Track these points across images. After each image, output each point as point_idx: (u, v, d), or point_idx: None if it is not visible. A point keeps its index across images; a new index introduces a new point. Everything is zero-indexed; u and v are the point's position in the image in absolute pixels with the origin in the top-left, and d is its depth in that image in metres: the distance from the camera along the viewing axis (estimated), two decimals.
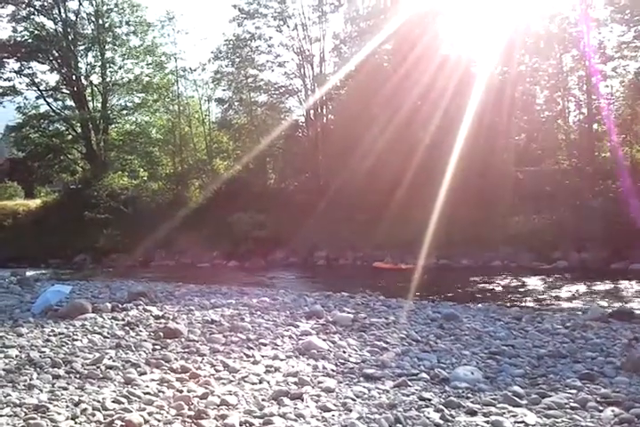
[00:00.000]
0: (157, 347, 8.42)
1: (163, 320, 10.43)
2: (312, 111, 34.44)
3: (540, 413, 5.73)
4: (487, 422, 5.46)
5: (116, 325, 10.03)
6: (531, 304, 14.33)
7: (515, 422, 5.49)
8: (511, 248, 23.31)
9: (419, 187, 23.65)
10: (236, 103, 37.75)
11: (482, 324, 10.46)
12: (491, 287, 17.84)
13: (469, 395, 6.32)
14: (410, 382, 6.68)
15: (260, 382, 6.69)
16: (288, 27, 34.06)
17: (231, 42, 35.37)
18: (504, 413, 5.72)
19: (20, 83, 37.70)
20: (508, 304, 13.96)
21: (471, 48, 27.80)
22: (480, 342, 8.96)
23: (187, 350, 8.25)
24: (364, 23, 32.70)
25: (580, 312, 12.43)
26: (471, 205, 23.80)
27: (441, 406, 5.81)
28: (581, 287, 16.84)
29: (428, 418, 5.51)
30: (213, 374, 7.00)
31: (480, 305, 13.30)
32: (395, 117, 26.35)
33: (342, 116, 32.47)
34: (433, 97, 25.87)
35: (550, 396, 6.23)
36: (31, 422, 5.18)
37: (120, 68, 38.31)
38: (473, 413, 5.70)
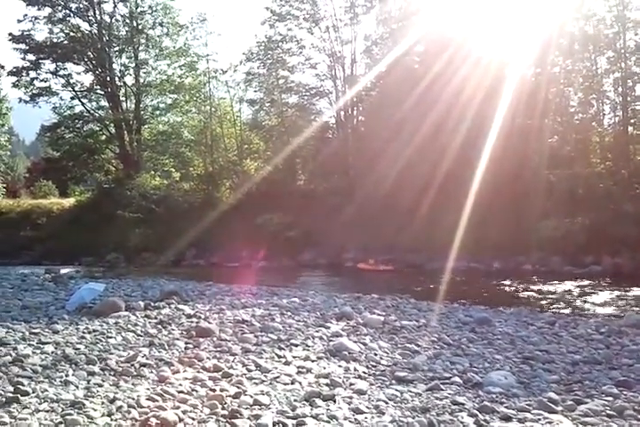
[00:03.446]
0: (190, 346, 8.48)
1: (194, 319, 10.50)
2: (343, 113, 34.48)
3: (575, 420, 5.62)
4: None
5: (149, 323, 10.12)
6: (564, 309, 14.10)
7: None
8: (543, 252, 23.03)
9: (449, 190, 23.54)
10: (267, 104, 37.99)
11: (514, 328, 10.35)
12: (522, 291, 17.62)
13: (503, 400, 6.24)
14: (442, 386, 6.62)
15: (292, 383, 6.68)
16: (319, 28, 34.21)
17: (263, 43, 35.64)
18: (539, 419, 5.62)
19: (56, 83, 38.59)
20: (541, 309, 13.77)
21: (504, 49, 27.47)
22: (513, 346, 8.85)
23: (218, 349, 8.29)
24: (395, 24, 32.58)
25: (614, 318, 12.20)
26: (502, 209, 23.57)
27: (475, 411, 5.74)
28: (615, 292, 16.51)
29: (462, 423, 5.44)
30: (245, 374, 7.01)
31: (512, 309, 13.15)
32: (425, 119, 26.20)
33: (373, 117, 32.39)
34: (464, 99, 25.68)
35: (586, 403, 6.12)
36: (68, 417, 5.24)
37: (153, 69, 38.88)
38: (507, 418, 5.62)
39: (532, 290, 17.82)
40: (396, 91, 28.90)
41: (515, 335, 9.65)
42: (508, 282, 19.26)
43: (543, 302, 15.33)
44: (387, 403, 6.03)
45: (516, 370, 7.46)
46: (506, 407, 5.96)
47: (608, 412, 5.84)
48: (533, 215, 23.86)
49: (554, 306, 14.64)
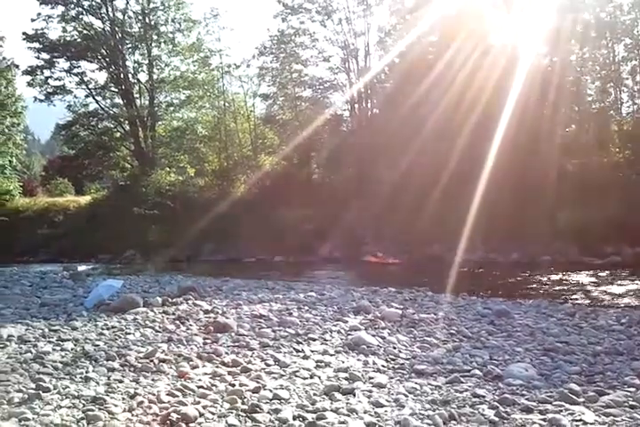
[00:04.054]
0: (208, 341, 8.49)
1: (212, 315, 10.53)
2: (357, 105, 34.35)
3: (598, 411, 5.56)
4: (544, 419, 5.33)
5: (167, 319, 10.16)
6: (583, 300, 13.96)
7: (572, 420, 5.33)
8: (561, 243, 22.83)
9: (465, 181, 23.34)
10: (280, 98, 37.91)
11: (534, 320, 10.26)
12: (541, 283, 17.48)
13: (524, 392, 6.19)
14: (462, 379, 6.58)
15: (311, 377, 6.67)
16: (332, 21, 34.05)
17: (276, 37, 35.56)
18: (561, 410, 5.57)
19: (70, 82, 38.81)
20: (560, 300, 13.64)
21: (518, 38, 27.21)
22: (533, 338, 8.78)
23: (237, 344, 8.30)
24: (409, 15, 32.36)
25: (635, 309, 12.07)
26: (519, 199, 23.38)
27: (495, 403, 5.70)
28: (636, 283, 16.33)
29: (482, 415, 5.41)
30: (264, 369, 7.01)
31: (531, 301, 13.05)
32: (439, 109, 26.06)
33: (386, 109, 32.23)
34: (478, 88, 25.48)
35: (608, 394, 6.05)
36: (90, 413, 5.27)
37: (166, 65, 38.98)
38: (529, 410, 5.58)
39: (551, 281, 17.68)
40: (409, 81, 28.73)
41: (534, 327, 9.57)
42: (526, 273, 19.13)
43: (563, 294, 15.19)
44: (406, 396, 6.00)
45: (537, 362, 7.40)
46: (527, 399, 5.91)
47: (631, 403, 5.77)
48: (552, 205, 23.63)
49: (573, 297, 14.50)
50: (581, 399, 5.91)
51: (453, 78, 25.96)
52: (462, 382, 6.48)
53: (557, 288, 16.30)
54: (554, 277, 18.36)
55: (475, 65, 25.82)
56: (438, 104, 26.13)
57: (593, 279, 17.56)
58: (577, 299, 14.19)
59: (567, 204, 23.79)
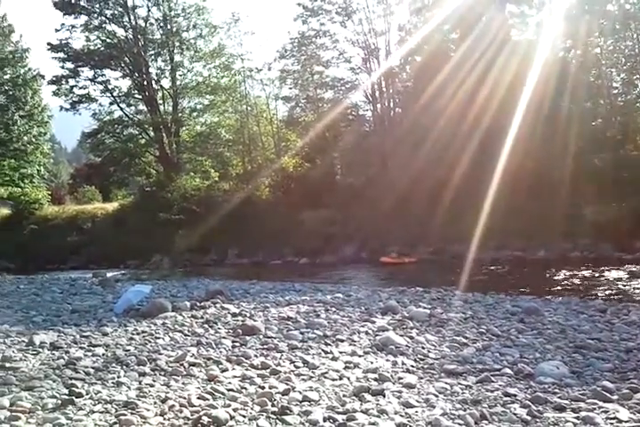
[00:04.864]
0: (237, 344, 8.52)
1: (240, 318, 10.57)
2: (379, 106, 34.28)
3: (632, 408, 5.46)
4: (577, 417, 5.25)
5: (196, 323, 10.22)
6: (614, 296, 13.73)
7: (606, 418, 5.25)
8: (590, 239, 22.53)
9: (488, 177, 23.11)
10: (302, 100, 38.00)
11: (564, 317, 10.13)
12: (571, 279, 17.24)
13: (556, 390, 6.10)
14: (493, 378, 6.50)
15: (341, 379, 6.65)
16: (352, 21, 34.04)
17: (296, 40, 35.66)
18: (594, 408, 5.48)
19: (95, 90, 39.42)
20: (591, 297, 13.45)
21: (541, 32, 26.90)
22: (564, 336, 8.66)
23: (265, 346, 8.31)
24: (429, 13, 32.21)
25: None
26: (547, 195, 23.12)
27: (527, 402, 5.63)
28: None
29: (514, 414, 5.34)
30: (293, 371, 7.01)
31: (561, 298, 12.88)
32: (463, 106, 25.91)
33: (409, 108, 32.12)
34: (496, 83, 25.28)
35: None
36: (122, 418, 5.30)
37: (189, 71, 39.32)
38: (561, 408, 5.49)
39: (581, 278, 17.43)
40: (431, 79, 28.55)
41: (565, 324, 9.44)
42: (555, 270, 18.88)
43: (593, 290, 14.97)
44: (437, 396, 5.96)
45: (568, 360, 7.30)
46: (559, 398, 5.83)
47: None
48: (579, 201, 23.33)
49: (604, 293, 14.29)
50: (615, 397, 5.80)
51: (476, 75, 25.77)
52: (493, 382, 6.41)
53: (587, 285, 16.07)
54: (583, 273, 18.10)
55: (493, 60, 25.59)
56: (456, 100, 25.98)
57: (624, 275, 17.28)
58: (608, 295, 13.98)
59: (595, 199, 23.43)
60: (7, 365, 7.38)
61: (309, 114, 37.60)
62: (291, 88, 37.97)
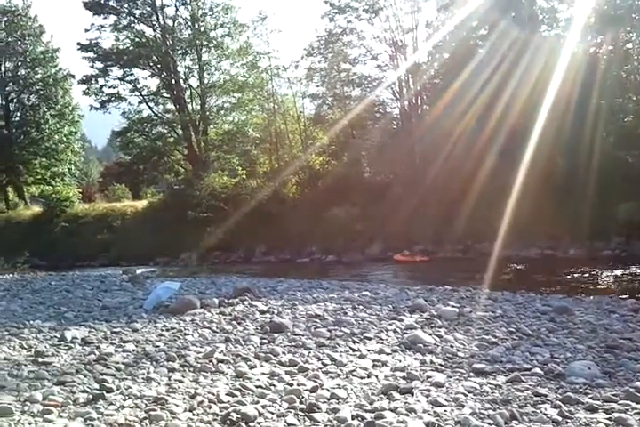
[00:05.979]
0: (265, 341, 8.57)
1: (268, 315, 10.62)
2: (406, 103, 34.09)
3: None
4: (609, 418, 5.18)
5: (224, 319, 10.30)
6: None
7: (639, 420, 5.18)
8: (622, 237, 22.13)
9: (521, 176, 22.82)
10: (329, 98, 37.94)
11: (596, 317, 9.98)
12: (602, 278, 16.97)
13: (587, 391, 6.03)
14: (523, 378, 6.44)
15: (369, 377, 6.66)
16: (380, 19, 33.85)
17: (323, 37, 35.58)
18: (627, 409, 5.40)
19: (124, 89, 39.76)
20: (623, 296, 13.21)
21: (572, 28, 26.48)
22: (595, 335, 8.53)
23: (293, 343, 8.35)
24: (457, 10, 31.91)
25: None
26: (577, 193, 22.75)
27: (558, 402, 5.57)
28: None
29: (545, 415, 5.29)
30: (321, 368, 7.03)
31: (592, 297, 12.68)
32: (490, 102, 25.64)
33: (437, 105, 31.87)
34: (529, 80, 24.95)
35: None
36: (152, 413, 5.37)
37: (216, 69, 39.48)
38: (593, 409, 5.43)
39: (613, 276, 17.13)
40: (459, 76, 28.29)
41: (596, 324, 9.30)
42: (586, 269, 18.58)
43: (625, 289, 14.72)
44: (466, 395, 5.92)
45: (600, 359, 7.19)
46: (591, 398, 5.76)
47: None
48: (611, 199, 22.90)
49: (637, 292, 14.04)
50: None
51: (506, 72, 25.49)
52: (523, 381, 6.35)
53: (619, 284, 15.83)
54: (615, 272, 17.76)
55: (528, 57, 25.28)
56: (483, 96, 25.76)
57: None
58: None
59: (628, 197, 22.98)
60: (40, 359, 7.53)
61: (336, 111, 37.50)
62: (318, 86, 37.88)
